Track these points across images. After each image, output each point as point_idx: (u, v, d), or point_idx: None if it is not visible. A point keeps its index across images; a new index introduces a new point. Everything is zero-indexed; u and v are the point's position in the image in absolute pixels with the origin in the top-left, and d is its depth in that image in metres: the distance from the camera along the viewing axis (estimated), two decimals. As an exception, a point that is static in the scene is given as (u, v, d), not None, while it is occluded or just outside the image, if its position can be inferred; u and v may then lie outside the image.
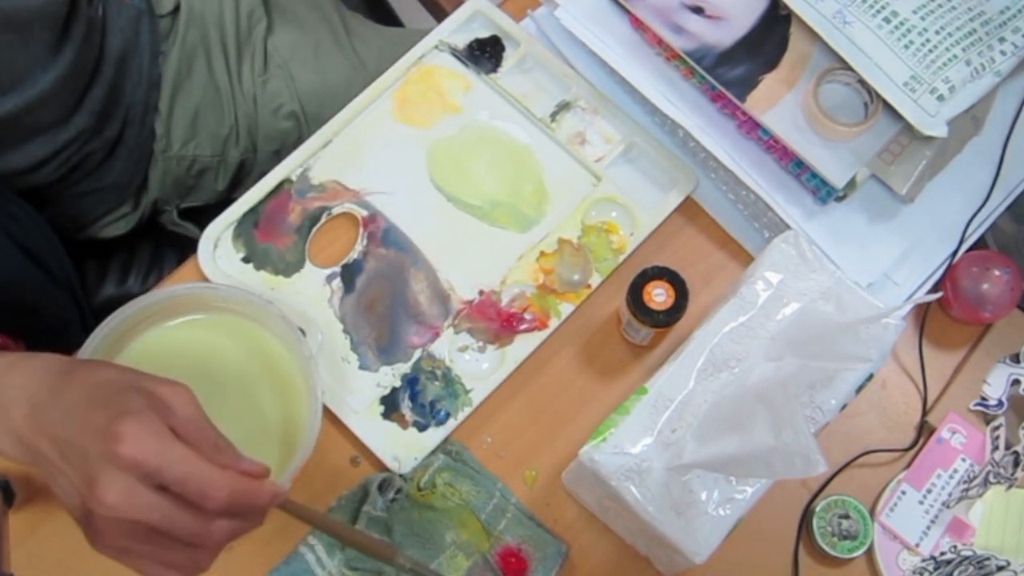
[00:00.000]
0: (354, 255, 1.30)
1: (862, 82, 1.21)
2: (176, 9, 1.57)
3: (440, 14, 1.90)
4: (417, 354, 1.26)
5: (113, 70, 1.41)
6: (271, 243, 1.29)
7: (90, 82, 1.38)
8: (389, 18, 2.09)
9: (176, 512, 0.85)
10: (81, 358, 1.02)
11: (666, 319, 1.19)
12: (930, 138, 1.19)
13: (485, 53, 1.39)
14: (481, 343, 1.27)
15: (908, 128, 1.20)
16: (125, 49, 1.44)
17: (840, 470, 1.26)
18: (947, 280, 1.29)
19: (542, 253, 1.31)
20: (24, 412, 0.90)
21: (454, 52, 1.39)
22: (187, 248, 1.28)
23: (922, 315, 1.33)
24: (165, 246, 1.60)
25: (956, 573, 1.22)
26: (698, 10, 1.27)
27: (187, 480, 0.84)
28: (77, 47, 1.33)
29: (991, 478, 1.25)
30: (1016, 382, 1.29)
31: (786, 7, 1.24)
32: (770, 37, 1.26)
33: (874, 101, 1.22)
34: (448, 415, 1.24)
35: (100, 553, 0.86)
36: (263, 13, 1.55)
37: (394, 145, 1.34)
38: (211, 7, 1.51)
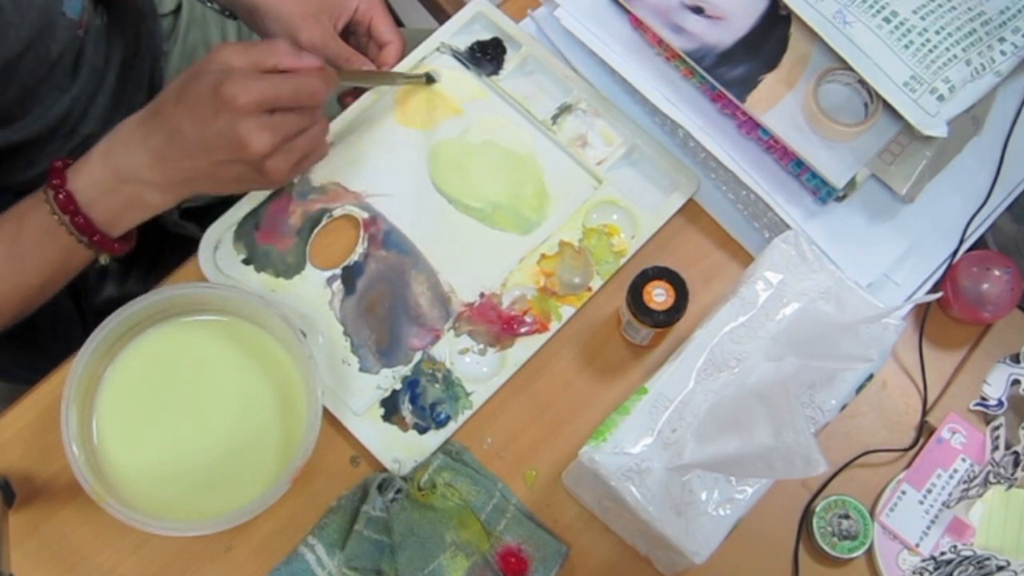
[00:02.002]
0: (355, 257, 1.30)
1: (862, 82, 1.21)
2: (178, 9, 1.57)
3: (440, 14, 1.90)
4: (418, 356, 1.26)
5: (116, 77, 1.41)
6: (272, 245, 1.29)
7: (95, 91, 1.38)
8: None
9: (301, 115, 1.11)
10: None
11: (666, 319, 1.19)
12: (930, 138, 1.19)
13: (487, 55, 1.39)
14: (482, 346, 1.27)
15: (908, 128, 1.20)
16: (128, 55, 1.44)
17: (840, 470, 1.26)
18: (947, 280, 1.29)
19: (543, 256, 1.31)
20: (152, 165, 1.10)
21: (455, 54, 1.39)
22: (188, 249, 1.28)
23: (922, 315, 1.33)
24: (166, 247, 1.60)
25: (956, 573, 1.21)
26: (698, 10, 1.27)
27: (296, 95, 1.09)
28: (90, 64, 1.34)
29: (991, 478, 1.24)
30: (1016, 382, 1.29)
31: (786, 7, 1.24)
32: (770, 37, 1.26)
33: (874, 101, 1.22)
34: (448, 418, 1.24)
35: (286, 180, 1.18)
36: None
37: (395, 147, 1.34)
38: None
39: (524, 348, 1.27)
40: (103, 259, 1.16)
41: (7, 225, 1.14)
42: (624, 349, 1.29)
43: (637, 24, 1.31)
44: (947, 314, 1.33)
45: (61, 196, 1.10)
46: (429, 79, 1.37)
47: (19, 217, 1.13)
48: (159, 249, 1.61)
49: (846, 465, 1.26)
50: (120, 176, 1.10)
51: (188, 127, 1.07)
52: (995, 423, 1.28)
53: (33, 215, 1.12)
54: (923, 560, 1.23)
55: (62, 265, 1.15)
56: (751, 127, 1.26)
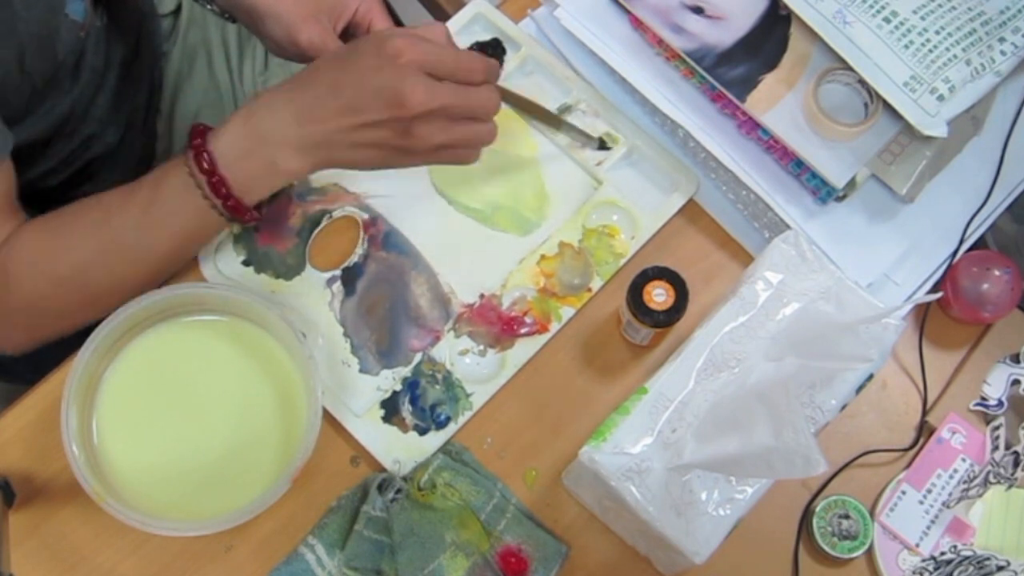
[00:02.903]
0: (355, 258, 1.30)
1: (862, 82, 1.21)
2: (178, 9, 1.58)
3: (440, 13, 1.90)
4: (418, 358, 1.26)
5: (116, 78, 1.41)
6: (271, 246, 1.29)
7: (95, 93, 1.38)
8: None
9: (461, 90, 1.08)
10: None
11: (666, 319, 1.19)
12: (930, 138, 1.19)
13: (486, 56, 1.39)
14: (482, 347, 1.27)
15: (908, 128, 1.20)
16: (127, 56, 1.44)
17: (840, 470, 1.26)
18: (947, 280, 1.29)
19: (543, 257, 1.31)
20: (294, 125, 1.08)
21: (455, 55, 1.39)
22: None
23: (922, 315, 1.32)
24: None
25: (956, 573, 1.21)
26: (698, 10, 1.27)
27: (457, 65, 1.07)
28: (90, 66, 1.34)
29: (991, 478, 1.24)
30: (1016, 382, 1.29)
31: (786, 7, 1.24)
32: (770, 37, 1.26)
33: (874, 101, 1.22)
34: (448, 419, 1.24)
35: (425, 161, 1.14)
36: None
37: (395, 148, 1.35)
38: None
39: (524, 349, 1.27)
40: (234, 228, 1.16)
41: (143, 190, 1.14)
42: (624, 349, 1.29)
43: (637, 24, 1.31)
44: (947, 314, 1.33)
45: (201, 156, 1.09)
46: (602, 144, 1.36)
47: (156, 181, 1.13)
48: None
49: (846, 465, 1.26)
50: (260, 137, 1.09)
51: (346, 81, 1.07)
52: (995, 423, 1.28)
53: (170, 177, 1.12)
54: (923, 560, 1.23)
55: (194, 231, 1.15)
56: (751, 127, 1.26)
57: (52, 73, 1.26)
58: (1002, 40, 1.21)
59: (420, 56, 1.04)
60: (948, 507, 1.24)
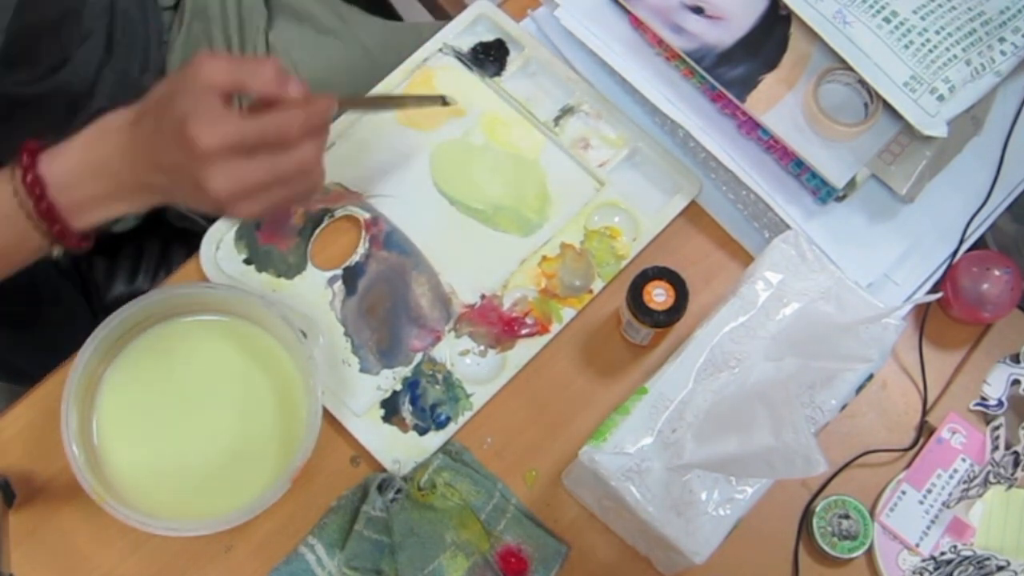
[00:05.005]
0: (356, 258, 1.30)
1: (862, 82, 1.21)
2: (177, 3, 1.59)
3: (439, 13, 1.91)
4: (418, 358, 1.26)
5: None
6: (273, 245, 1.29)
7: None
8: (389, 15, 2.09)
9: (272, 159, 0.97)
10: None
11: (666, 319, 1.19)
12: (930, 138, 1.19)
13: (489, 56, 1.39)
14: (482, 347, 1.27)
15: (908, 128, 1.20)
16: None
17: (840, 470, 1.26)
18: (947, 280, 1.29)
19: (544, 258, 1.31)
20: (127, 166, 1.00)
21: (458, 55, 1.39)
22: (195, 245, 1.28)
23: (922, 315, 1.32)
24: (173, 243, 1.61)
25: (956, 573, 1.21)
26: (698, 10, 1.27)
27: (264, 134, 0.96)
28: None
29: (991, 478, 1.24)
30: (1016, 382, 1.29)
31: (786, 7, 1.24)
32: (770, 37, 1.26)
33: (874, 101, 1.22)
34: (448, 419, 1.24)
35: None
36: (263, 7, 1.56)
37: (397, 148, 1.34)
38: (212, 1, 1.53)
39: (525, 350, 1.27)
40: (56, 251, 1.09)
41: None
42: (624, 349, 1.29)
43: (637, 24, 1.31)
44: (947, 314, 1.33)
45: (29, 179, 1.01)
46: (444, 102, 1.28)
47: None
48: (166, 246, 1.62)
49: (846, 465, 1.26)
50: (93, 169, 1.02)
51: (157, 146, 0.98)
52: (995, 423, 1.28)
53: None
54: (923, 560, 1.23)
55: (10, 251, 1.06)
56: (751, 127, 1.26)
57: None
58: (1002, 40, 1.21)
59: (219, 142, 0.94)
60: (948, 507, 1.24)
